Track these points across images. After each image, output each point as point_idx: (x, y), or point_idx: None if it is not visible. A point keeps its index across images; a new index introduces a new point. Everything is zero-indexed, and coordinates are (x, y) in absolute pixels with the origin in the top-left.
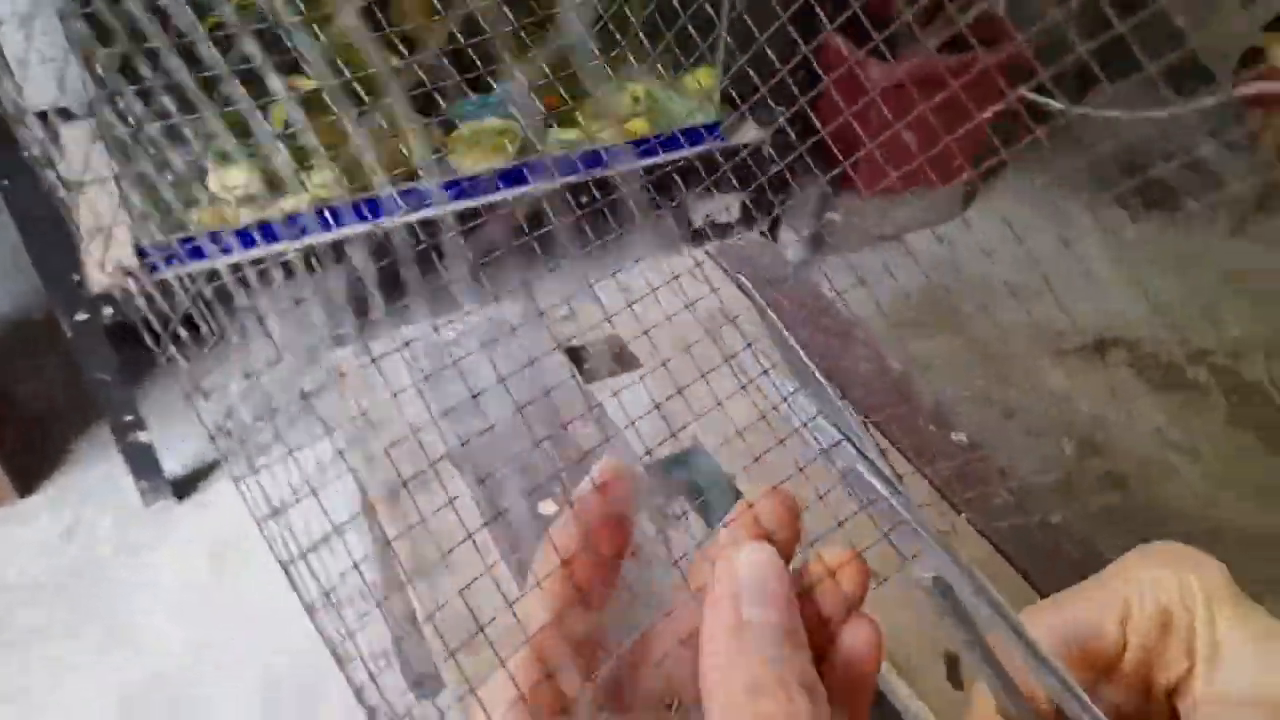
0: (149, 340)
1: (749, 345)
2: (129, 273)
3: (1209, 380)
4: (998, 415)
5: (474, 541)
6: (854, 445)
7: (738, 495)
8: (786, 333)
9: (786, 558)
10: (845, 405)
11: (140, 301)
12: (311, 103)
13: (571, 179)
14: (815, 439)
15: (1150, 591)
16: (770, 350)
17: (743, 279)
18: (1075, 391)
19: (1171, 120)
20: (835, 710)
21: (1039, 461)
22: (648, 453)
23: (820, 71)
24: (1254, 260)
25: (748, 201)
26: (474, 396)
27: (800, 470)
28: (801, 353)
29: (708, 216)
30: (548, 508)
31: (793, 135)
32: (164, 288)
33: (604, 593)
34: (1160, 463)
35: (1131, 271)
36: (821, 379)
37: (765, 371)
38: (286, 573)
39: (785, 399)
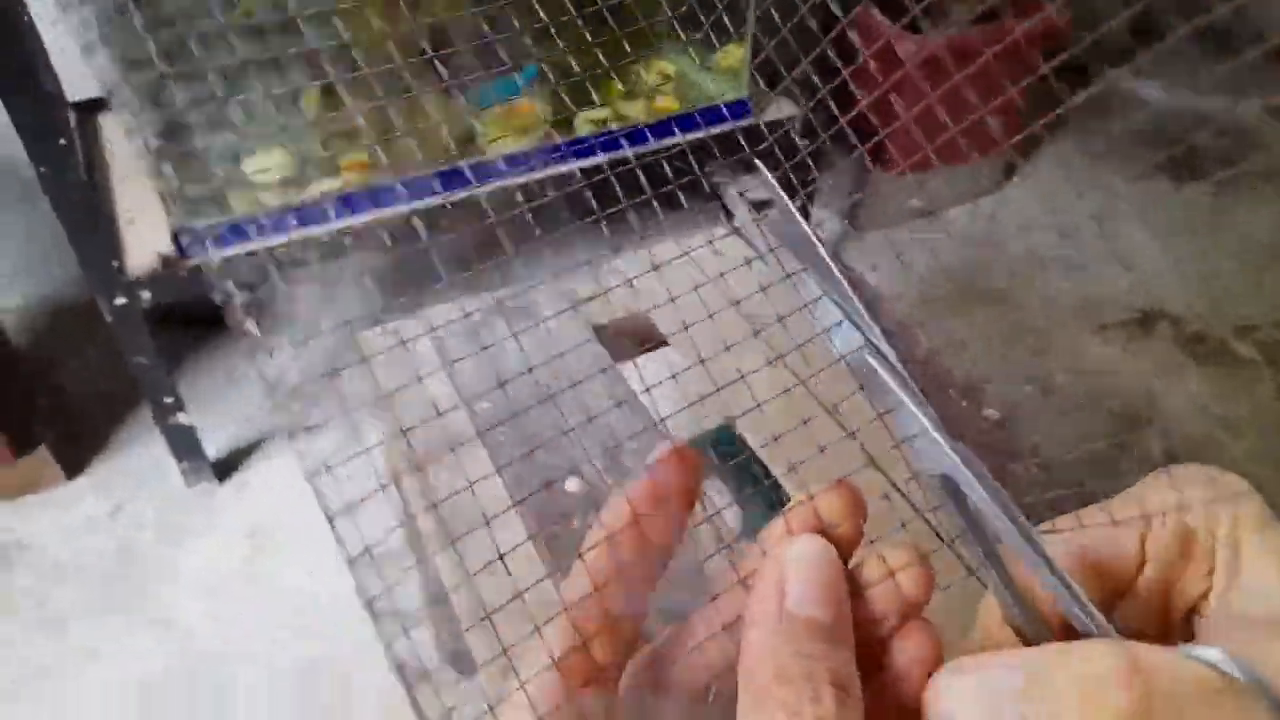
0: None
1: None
2: (168, 258)
3: (1255, 354)
4: (1036, 392)
5: (490, 521)
6: (873, 344)
7: (768, 474)
8: (813, 234)
9: (845, 555)
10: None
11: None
12: (346, 87)
13: (600, 159)
14: (833, 342)
15: (1173, 511)
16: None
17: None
18: (1118, 367)
19: (1214, 87)
20: None
21: (1077, 438)
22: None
23: (853, 46)
24: None
25: (780, 178)
26: (501, 385)
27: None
28: (824, 253)
29: (743, 193)
30: (573, 486)
31: (818, 116)
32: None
33: (651, 572)
34: (1205, 438)
35: (1175, 242)
36: (841, 278)
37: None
38: (332, 525)
39: (809, 303)
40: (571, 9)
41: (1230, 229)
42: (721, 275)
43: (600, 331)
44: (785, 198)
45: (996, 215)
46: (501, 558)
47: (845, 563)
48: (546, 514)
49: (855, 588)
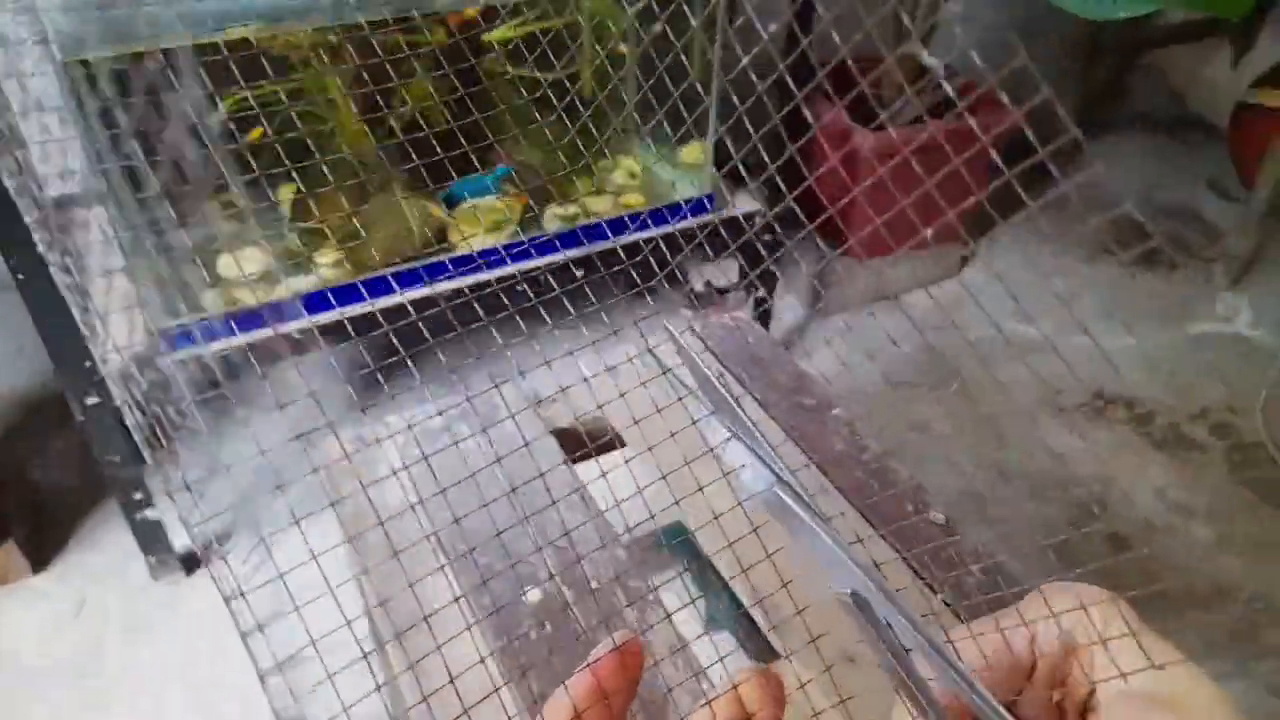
0: (146, 427)
1: (710, 413)
2: (134, 364)
3: (1208, 438)
4: (995, 477)
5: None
6: (780, 479)
7: (714, 570)
8: (715, 381)
9: None
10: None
11: (139, 391)
12: (317, 185)
13: (572, 254)
14: (741, 481)
15: (1053, 619)
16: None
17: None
18: (1075, 451)
19: (1168, 173)
20: None
21: (1037, 525)
22: (628, 530)
23: (812, 141)
24: (1252, 314)
25: (744, 266)
26: (457, 484)
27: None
28: (730, 397)
29: (707, 281)
30: (534, 596)
31: (779, 207)
32: (170, 372)
33: None
34: (1161, 523)
35: (1129, 326)
36: (747, 419)
37: (703, 418)
38: (246, 645)
39: (718, 445)
40: (542, 113)
41: (1183, 312)
42: (666, 373)
43: (558, 433)
44: (692, 355)
45: (956, 299)
46: (452, 680)
47: None
48: (504, 624)
49: None
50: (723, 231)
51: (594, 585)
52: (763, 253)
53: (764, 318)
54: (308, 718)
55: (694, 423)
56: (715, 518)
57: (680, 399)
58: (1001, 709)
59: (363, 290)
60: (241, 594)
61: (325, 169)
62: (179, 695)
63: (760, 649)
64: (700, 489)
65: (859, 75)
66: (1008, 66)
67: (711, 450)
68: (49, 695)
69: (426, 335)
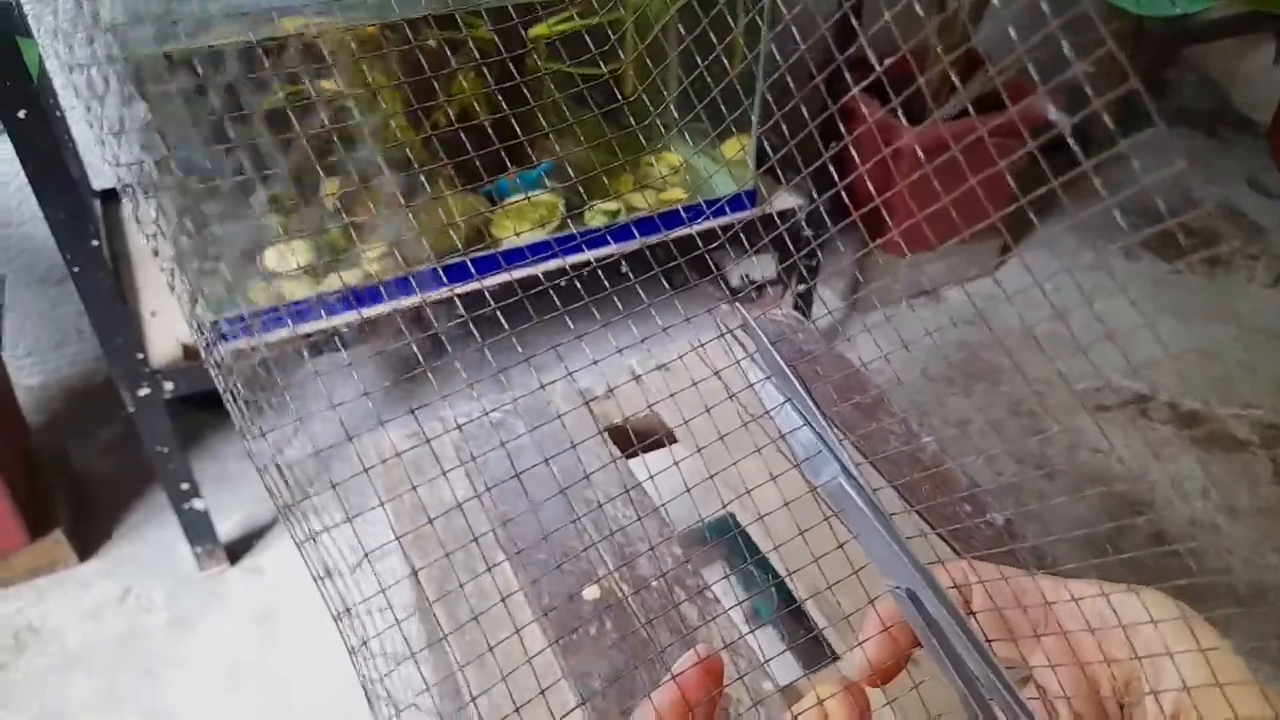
0: (233, 411)
1: (785, 401)
2: (191, 349)
3: (1251, 436)
4: (1035, 474)
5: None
6: (847, 471)
7: (767, 564)
8: (787, 369)
9: None
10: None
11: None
12: (364, 179)
13: (613, 249)
14: (810, 470)
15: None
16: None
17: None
18: (1116, 449)
19: (1209, 170)
20: None
21: (1079, 524)
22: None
23: (853, 137)
24: None
25: (783, 261)
26: (514, 476)
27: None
28: (801, 388)
29: (745, 277)
30: (591, 593)
31: (821, 203)
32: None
33: None
34: (1205, 521)
35: (1171, 323)
36: (818, 411)
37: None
38: (337, 623)
39: (768, 411)
40: (584, 109)
41: (1225, 309)
42: (717, 374)
43: (612, 430)
44: (768, 344)
45: (993, 295)
46: (527, 661)
47: None
48: (562, 623)
49: None
50: (760, 229)
51: (652, 583)
52: (800, 248)
53: (803, 314)
54: (392, 694)
55: (766, 412)
56: (762, 516)
57: (733, 395)
58: (1025, 703)
59: (396, 287)
60: (328, 574)
61: (375, 161)
62: (222, 681)
63: (809, 647)
64: (759, 481)
65: (907, 70)
66: (1057, 76)
67: (784, 436)
68: (92, 678)
69: (474, 332)
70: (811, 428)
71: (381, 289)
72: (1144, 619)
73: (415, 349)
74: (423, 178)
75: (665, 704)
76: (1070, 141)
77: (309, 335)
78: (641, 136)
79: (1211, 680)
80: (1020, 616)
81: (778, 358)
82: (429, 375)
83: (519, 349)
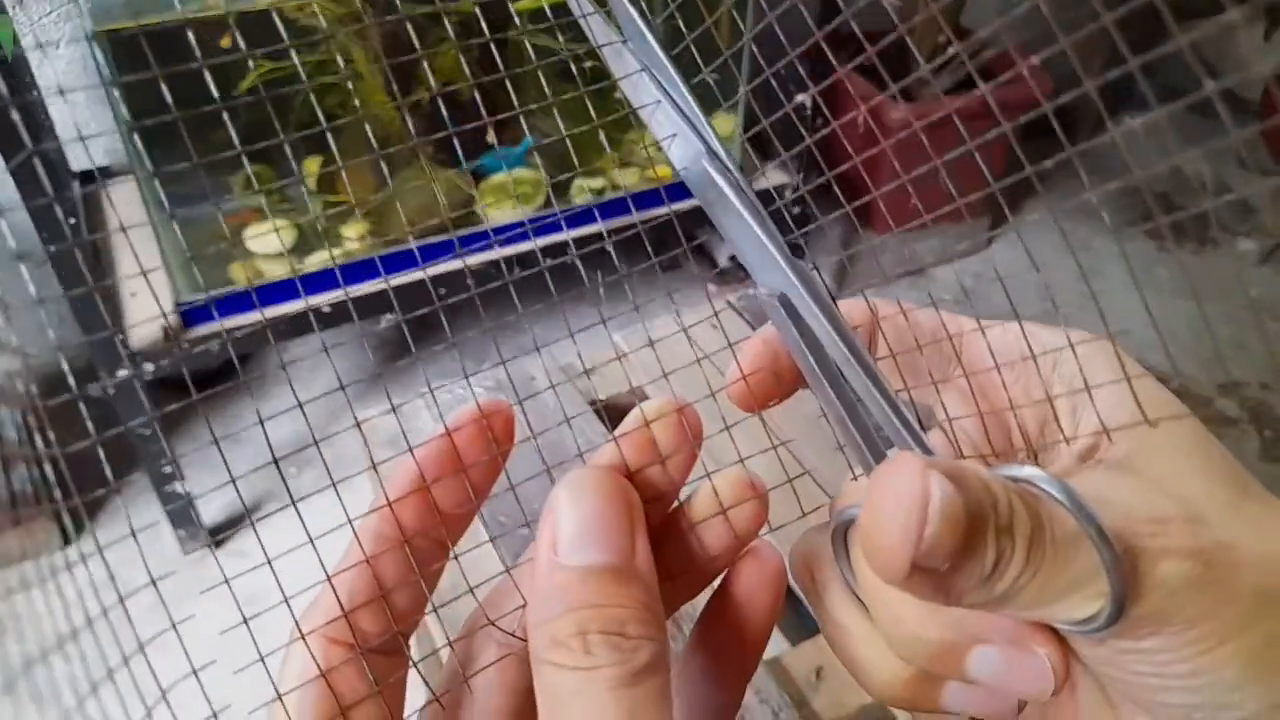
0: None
1: (642, 70)
2: (170, 330)
3: (1240, 413)
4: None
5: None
6: (713, 152)
7: None
8: (652, 39)
9: (678, 483)
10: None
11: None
12: (344, 155)
13: (597, 227)
14: (669, 153)
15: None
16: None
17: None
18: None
19: (1200, 147)
20: (708, 661)
21: None
22: None
23: (840, 113)
24: None
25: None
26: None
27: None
28: (663, 55)
29: (731, 256)
30: None
31: (808, 181)
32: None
33: (440, 546)
34: None
35: (1159, 300)
36: (681, 83)
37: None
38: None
39: (644, 106)
40: (568, 84)
41: (1213, 287)
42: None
43: (598, 407)
44: (664, 60)
45: (981, 274)
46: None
47: (673, 495)
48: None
49: (680, 524)
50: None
51: None
52: (785, 226)
53: None
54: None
55: (618, 79)
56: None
57: (700, 359)
58: (919, 430)
59: (379, 265)
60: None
61: (350, 141)
62: (208, 662)
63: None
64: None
65: (882, 45)
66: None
67: (634, 111)
68: (73, 661)
69: (444, 313)
70: (671, 99)
71: (357, 270)
72: (1061, 345)
73: (404, 327)
74: (403, 156)
75: (430, 459)
76: (1053, 123)
77: (285, 316)
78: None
79: (1138, 418)
80: (922, 358)
81: (644, 29)
82: (411, 348)
83: (500, 325)
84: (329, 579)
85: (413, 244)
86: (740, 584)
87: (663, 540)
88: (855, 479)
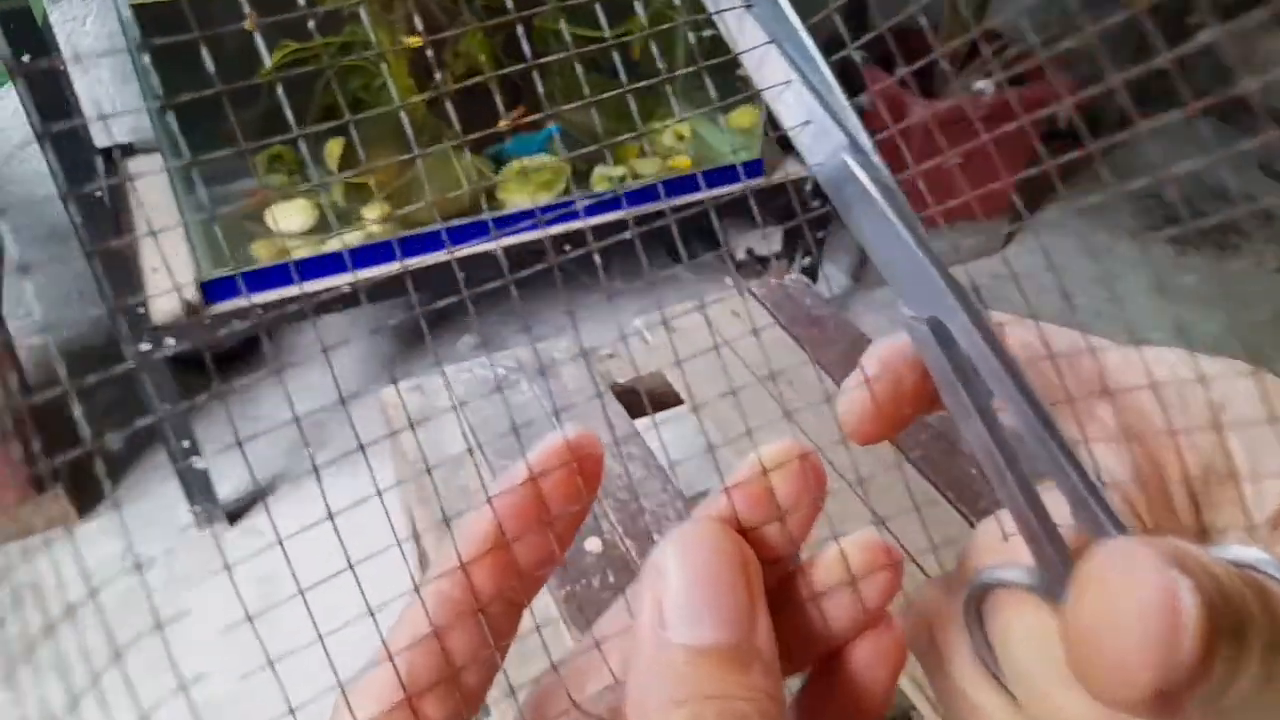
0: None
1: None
2: (192, 306)
3: None
4: None
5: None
6: (855, 144)
7: None
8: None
9: (797, 542)
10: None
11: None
12: (367, 139)
13: (617, 214)
14: (800, 146)
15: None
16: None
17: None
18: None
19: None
20: None
21: None
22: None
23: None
24: None
25: (790, 235)
26: (514, 430)
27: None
28: (804, 32)
29: (749, 249)
30: (592, 546)
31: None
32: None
33: (515, 608)
34: None
35: (1177, 307)
36: (822, 63)
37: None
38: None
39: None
40: (591, 72)
41: (1232, 293)
42: (727, 342)
43: (619, 390)
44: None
45: (999, 275)
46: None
47: (792, 556)
48: (565, 573)
49: (798, 591)
50: (760, 200)
51: (654, 537)
52: (808, 218)
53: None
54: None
55: (743, 52)
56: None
57: (718, 346)
58: (1102, 491)
59: (395, 248)
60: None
61: (373, 123)
62: (221, 640)
63: None
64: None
65: (921, 44)
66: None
67: (761, 93)
68: (88, 636)
69: (464, 293)
70: (807, 82)
71: (378, 251)
72: (1235, 376)
73: (418, 311)
74: (425, 141)
75: (509, 512)
76: (1078, 125)
77: (310, 296)
78: (650, 102)
79: None
80: (1070, 378)
81: None
82: (425, 333)
83: (523, 310)
84: (390, 657)
85: (439, 225)
86: (858, 654)
87: (777, 610)
88: (1007, 539)
